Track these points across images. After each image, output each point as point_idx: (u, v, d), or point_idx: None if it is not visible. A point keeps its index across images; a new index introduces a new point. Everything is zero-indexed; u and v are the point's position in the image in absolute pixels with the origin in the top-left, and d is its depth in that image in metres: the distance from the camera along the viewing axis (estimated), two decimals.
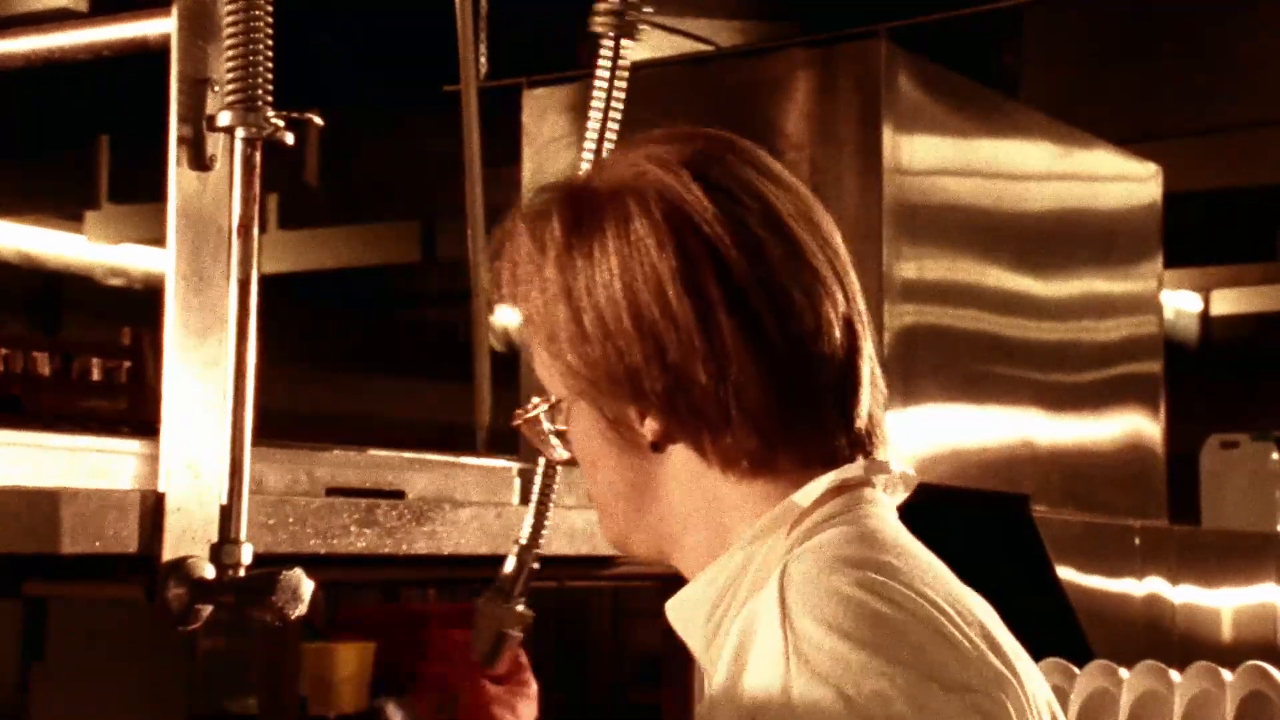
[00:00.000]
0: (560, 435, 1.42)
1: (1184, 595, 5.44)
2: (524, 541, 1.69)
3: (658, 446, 1.35)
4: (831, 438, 1.34)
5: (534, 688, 1.66)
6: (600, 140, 1.87)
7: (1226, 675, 3.21)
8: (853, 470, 1.34)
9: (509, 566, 1.69)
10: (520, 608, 1.69)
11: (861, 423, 1.35)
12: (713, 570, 1.34)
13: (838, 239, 1.38)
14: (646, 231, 1.33)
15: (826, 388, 1.33)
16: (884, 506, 1.36)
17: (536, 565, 1.72)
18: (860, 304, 1.38)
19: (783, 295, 1.32)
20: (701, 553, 1.36)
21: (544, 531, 1.70)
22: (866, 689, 1.17)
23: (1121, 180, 5.68)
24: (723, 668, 1.24)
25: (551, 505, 1.74)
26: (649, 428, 1.34)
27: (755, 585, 1.29)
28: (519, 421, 1.44)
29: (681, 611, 1.37)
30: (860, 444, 1.36)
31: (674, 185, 1.34)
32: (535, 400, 1.43)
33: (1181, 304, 11.50)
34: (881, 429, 1.38)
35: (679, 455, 1.35)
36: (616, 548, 1.44)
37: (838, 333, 1.34)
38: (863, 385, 1.36)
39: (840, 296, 1.35)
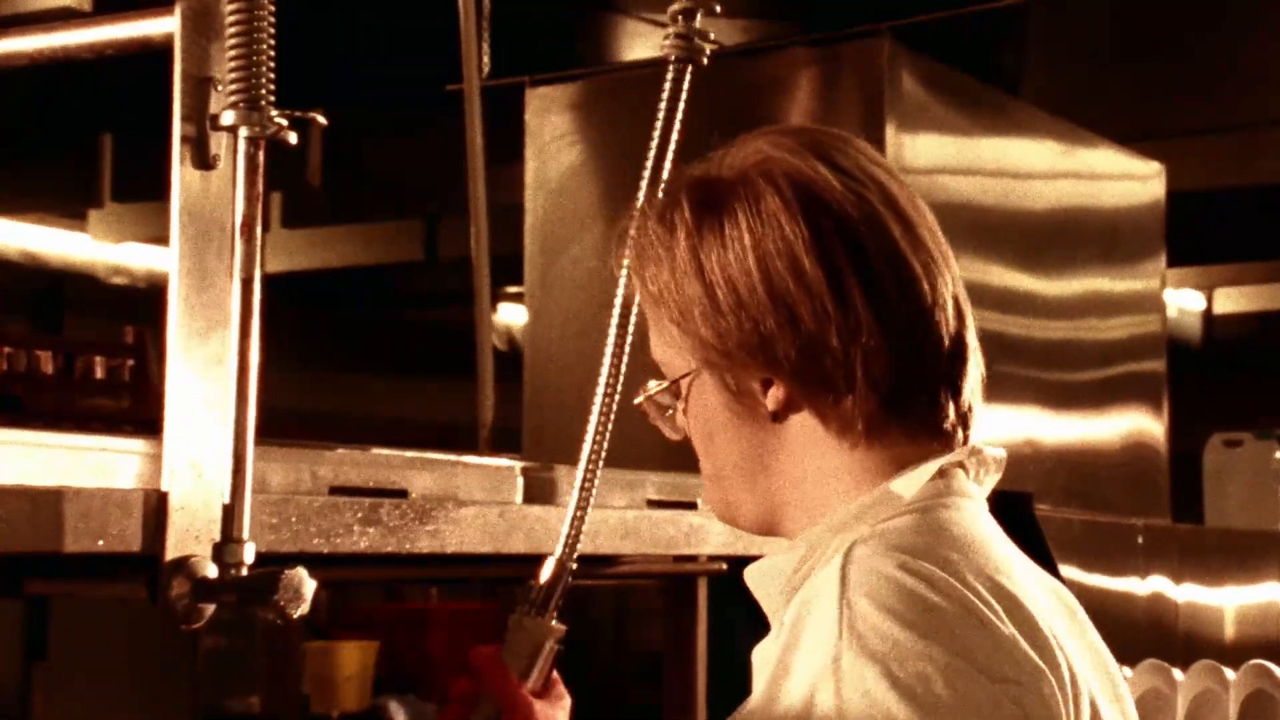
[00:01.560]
0: (670, 416, 1.48)
1: (1187, 594, 5.43)
2: (560, 552, 1.63)
3: (778, 416, 1.41)
4: (941, 411, 1.41)
5: (568, 700, 1.61)
6: (658, 165, 1.79)
7: (1230, 674, 3.22)
8: (951, 458, 1.41)
9: (544, 577, 1.63)
10: (554, 621, 1.61)
11: (967, 399, 1.43)
12: (796, 543, 1.41)
13: (937, 226, 1.44)
14: (778, 208, 1.39)
15: (940, 360, 1.40)
16: (968, 495, 1.43)
17: (572, 576, 1.65)
18: (962, 287, 1.44)
19: (905, 268, 1.39)
20: (803, 520, 1.43)
21: (580, 539, 1.65)
22: (910, 669, 1.25)
23: (1124, 179, 5.67)
24: (783, 633, 1.32)
25: (589, 511, 1.66)
26: (772, 397, 1.41)
27: (826, 561, 1.36)
28: (640, 400, 1.50)
29: (759, 578, 1.44)
30: (964, 420, 1.43)
31: (801, 166, 1.40)
32: (654, 383, 1.48)
33: (1184, 302, 11.49)
34: (979, 408, 1.45)
35: (796, 424, 1.41)
36: (724, 519, 1.50)
37: (950, 309, 1.41)
38: (969, 362, 1.43)
39: (949, 277, 1.42)
